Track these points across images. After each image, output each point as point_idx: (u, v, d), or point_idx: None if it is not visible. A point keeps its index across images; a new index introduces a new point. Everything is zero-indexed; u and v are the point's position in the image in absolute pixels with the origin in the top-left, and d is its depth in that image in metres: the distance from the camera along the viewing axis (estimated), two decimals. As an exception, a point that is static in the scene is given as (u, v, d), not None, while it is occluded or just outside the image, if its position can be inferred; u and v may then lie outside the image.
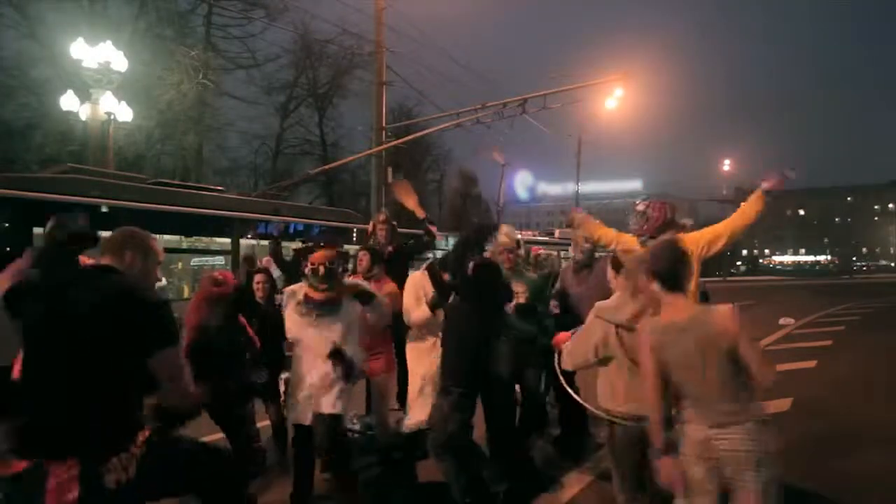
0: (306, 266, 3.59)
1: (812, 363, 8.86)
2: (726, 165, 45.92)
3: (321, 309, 3.53)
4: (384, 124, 15.78)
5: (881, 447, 4.96)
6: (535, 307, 4.31)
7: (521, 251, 4.65)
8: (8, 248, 6.74)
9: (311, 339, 3.55)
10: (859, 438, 5.21)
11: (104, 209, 7.57)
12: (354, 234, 11.38)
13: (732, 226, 3.70)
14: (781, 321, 13.44)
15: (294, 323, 3.61)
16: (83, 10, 18.36)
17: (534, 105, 13.77)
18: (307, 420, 3.50)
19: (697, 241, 3.60)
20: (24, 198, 6.80)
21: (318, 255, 3.57)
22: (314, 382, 3.48)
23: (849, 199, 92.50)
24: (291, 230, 10.65)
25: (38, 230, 6.94)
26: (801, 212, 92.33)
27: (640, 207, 3.70)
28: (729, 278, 57.18)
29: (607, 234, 4.00)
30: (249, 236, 9.81)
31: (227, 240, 9.20)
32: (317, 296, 3.55)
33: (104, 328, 1.93)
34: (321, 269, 3.53)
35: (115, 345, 1.94)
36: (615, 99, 14.86)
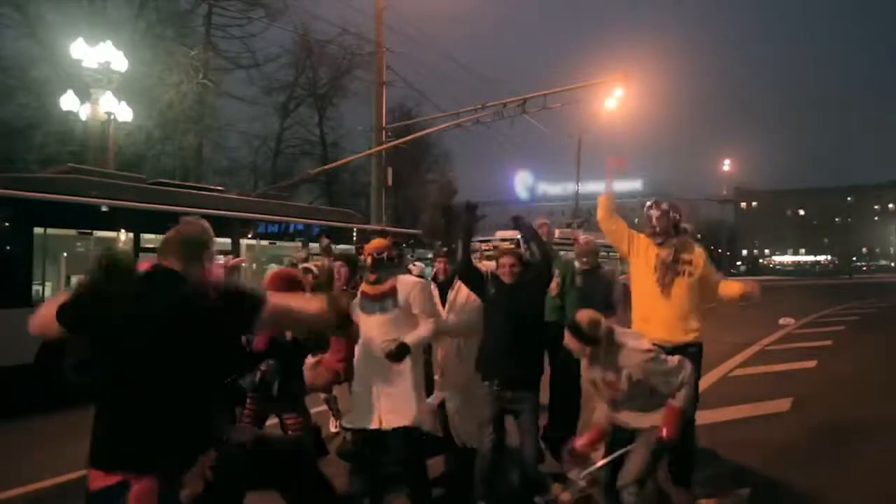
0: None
1: (812, 363, 8.85)
2: (726, 165, 45.96)
3: (373, 304, 3.42)
4: (384, 124, 15.79)
5: (881, 446, 4.96)
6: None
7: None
8: (8, 248, 6.74)
9: (372, 338, 3.42)
10: (859, 438, 5.22)
11: (104, 209, 7.57)
12: (355, 235, 11.39)
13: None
14: (781, 321, 13.44)
15: (361, 321, 3.50)
16: (83, 10, 18.35)
17: (534, 105, 13.79)
18: (370, 424, 3.37)
19: None
20: (24, 198, 6.79)
21: (370, 245, 3.46)
22: (380, 388, 3.33)
23: (849, 199, 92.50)
24: (292, 230, 10.66)
25: (38, 230, 6.94)
26: (801, 212, 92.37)
27: (648, 213, 3.89)
28: (728, 278, 57.15)
29: (620, 229, 4.05)
30: (249, 236, 9.81)
31: (227, 240, 9.20)
32: (369, 290, 3.46)
33: (179, 336, 1.87)
34: (370, 259, 3.41)
35: (193, 351, 1.89)
36: (615, 99, 14.86)
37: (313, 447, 3.69)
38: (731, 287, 3.86)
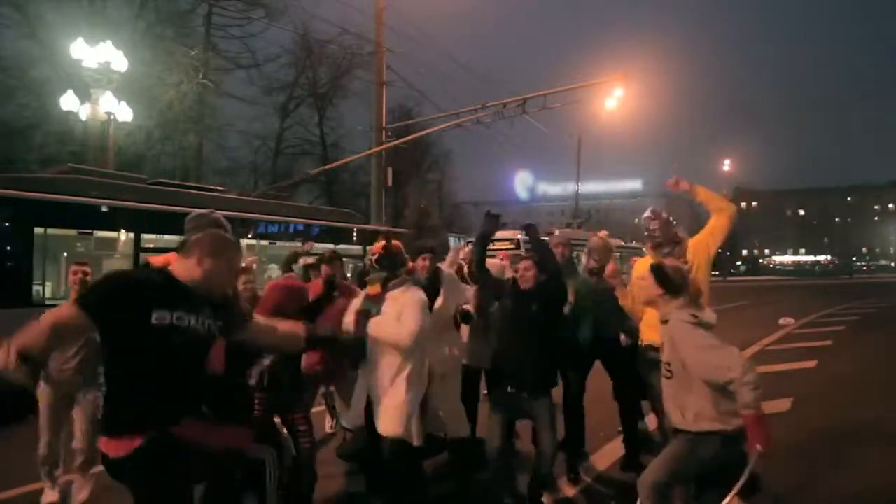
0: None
1: (812, 363, 8.86)
2: (726, 165, 45.94)
3: (371, 305, 3.46)
4: (384, 124, 15.78)
5: (881, 446, 4.97)
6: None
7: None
8: (8, 248, 6.74)
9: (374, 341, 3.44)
10: (860, 438, 5.22)
11: (104, 209, 7.57)
12: (355, 235, 11.39)
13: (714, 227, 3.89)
14: (781, 321, 13.49)
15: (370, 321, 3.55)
16: (83, 10, 18.36)
17: (534, 105, 13.78)
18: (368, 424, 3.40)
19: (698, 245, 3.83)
20: (24, 198, 6.79)
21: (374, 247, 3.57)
22: (377, 392, 3.33)
23: (849, 199, 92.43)
24: (292, 230, 10.66)
25: (38, 230, 6.94)
26: (801, 212, 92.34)
27: (649, 225, 3.88)
28: (729, 278, 57.19)
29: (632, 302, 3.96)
30: (249, 236, 9.81)
31: (227, 240, 9.17)
32: (369, 291, 3.51)
33: None
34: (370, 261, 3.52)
35: None
36: (615, 99, 14.84)
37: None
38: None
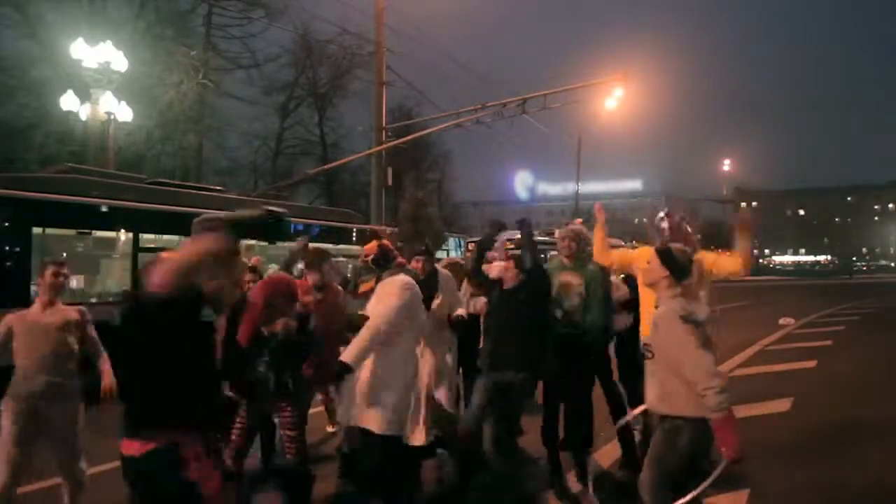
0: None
1: (812, 363, 8.85)
2: (726, 165, 45.98)
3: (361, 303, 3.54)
4: (384, 124, 15.78)
5: (881, 447, 4.96)
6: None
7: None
8: (8, 248, 6.73)
9: None
10: (859, 438, 5.21)
11: (104, 209, 7.56)
12: (355, 235, 11.38)
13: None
14: (781, 321, 13.47)
15: None
16: (83, 10, 18.37)
17: (534, 105, 13.79)
18: (350, 423, 3.42)
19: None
20: (24, 198, 6.78)
21: (366, 247, 3.65)
22: (359, 387, 3.35)
23: (849, 199, 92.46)
24: (292, 230, 10.65)
25: (37, 230, 6.94)
26: (801, 212, 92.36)
27: (661, 224, 3.91)
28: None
29: (623, 257, 4.13)
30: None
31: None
32: (360, 290, 3.58)
33: None
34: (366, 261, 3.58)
35: None
36: (615, 99, 14.83)
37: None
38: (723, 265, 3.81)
